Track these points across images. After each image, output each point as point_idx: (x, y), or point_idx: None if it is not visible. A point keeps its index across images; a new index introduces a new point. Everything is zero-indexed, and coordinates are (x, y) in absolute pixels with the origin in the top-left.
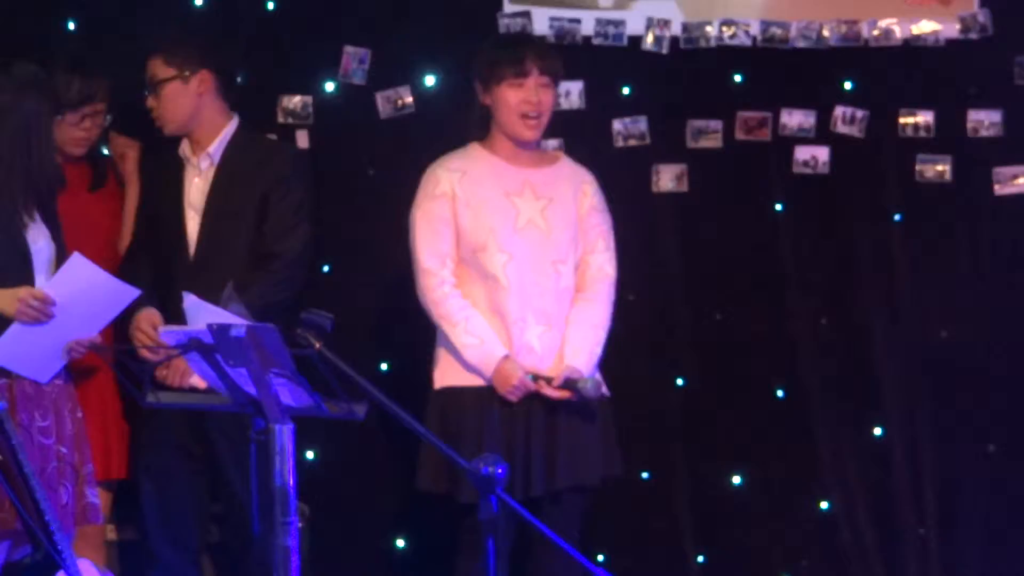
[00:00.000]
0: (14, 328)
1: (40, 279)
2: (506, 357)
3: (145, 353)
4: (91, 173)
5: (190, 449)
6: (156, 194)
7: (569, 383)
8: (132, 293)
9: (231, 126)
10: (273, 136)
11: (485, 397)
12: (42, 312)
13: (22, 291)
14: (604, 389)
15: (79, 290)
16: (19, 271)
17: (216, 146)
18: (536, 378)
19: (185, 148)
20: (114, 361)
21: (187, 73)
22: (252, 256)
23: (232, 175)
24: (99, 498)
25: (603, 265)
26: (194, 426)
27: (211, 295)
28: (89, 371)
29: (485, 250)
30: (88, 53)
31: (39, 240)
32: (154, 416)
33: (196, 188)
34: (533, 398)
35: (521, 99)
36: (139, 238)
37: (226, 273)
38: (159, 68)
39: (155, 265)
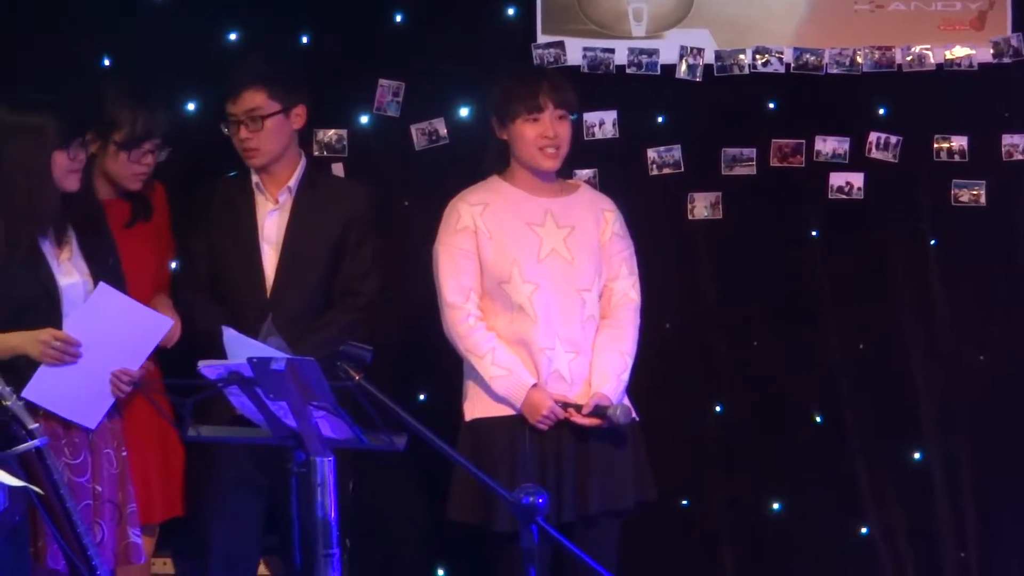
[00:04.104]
0: (43, 370)
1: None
2: (535, 386)
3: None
4: (129, 208)
5: (258, 483)
6: (224, 227)
7: (599, 410)
8: (166, 323)
9: (303, 161)
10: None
11: (516, 426)
12: (66, 352)
13: (44, 333)
14: (633, 414)
15: (108, 322)
16: (45, 309)
17: (295, 180)
18: (565, 406)
19: (260, 181)
20: (160, 396)
21: (289, 107)
22: (326, 295)
23: (309, 211)
24: (142, 538)
25: (627, 291)
26: (260, 457)
27: (286, 330)
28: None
29: (510, 281)
30: (148, 88)
31: (72, 276)
32: (221, 451)
33: (272, 223)
34: (563, 425)
35: (538, 134)
36: (198, 270)
37: (300, 309)
38: (263, 101)
39: (223, 300)
